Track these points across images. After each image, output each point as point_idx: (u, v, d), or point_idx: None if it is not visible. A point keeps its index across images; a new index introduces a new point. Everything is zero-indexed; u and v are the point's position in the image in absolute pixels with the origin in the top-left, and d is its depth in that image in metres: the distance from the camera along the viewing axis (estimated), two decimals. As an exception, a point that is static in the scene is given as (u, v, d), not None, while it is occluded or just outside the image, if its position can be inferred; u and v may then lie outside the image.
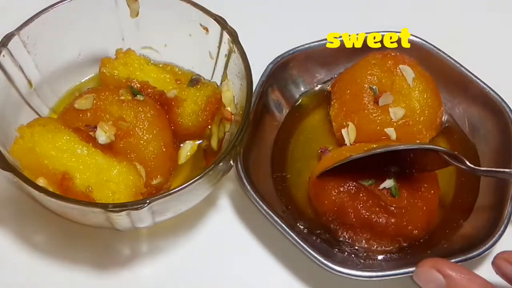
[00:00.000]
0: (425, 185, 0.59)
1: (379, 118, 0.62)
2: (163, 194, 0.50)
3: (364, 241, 0.58)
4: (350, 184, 0.58)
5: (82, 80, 0.66)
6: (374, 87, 0.63)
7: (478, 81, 0.65)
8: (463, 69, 0.65)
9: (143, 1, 0.62)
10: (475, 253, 0.55)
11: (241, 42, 0.59)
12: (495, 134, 0.63)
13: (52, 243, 0.59)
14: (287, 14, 0.78)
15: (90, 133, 0.56)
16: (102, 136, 0.56)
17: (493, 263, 0.51)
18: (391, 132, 0.62)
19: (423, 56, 0.66)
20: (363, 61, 0.65)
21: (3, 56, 0.56)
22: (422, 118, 0.62)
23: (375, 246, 0.58)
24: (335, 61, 0.67)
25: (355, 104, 0.63)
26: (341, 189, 0.58)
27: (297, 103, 0.67)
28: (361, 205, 0.57)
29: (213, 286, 0.58)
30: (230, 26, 0.60)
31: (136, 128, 0.57)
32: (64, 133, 0.54)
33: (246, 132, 0.54)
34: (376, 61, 0.64)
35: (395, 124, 0.62)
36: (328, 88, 0.68)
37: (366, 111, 0.62)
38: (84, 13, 0.60)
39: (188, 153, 0.61)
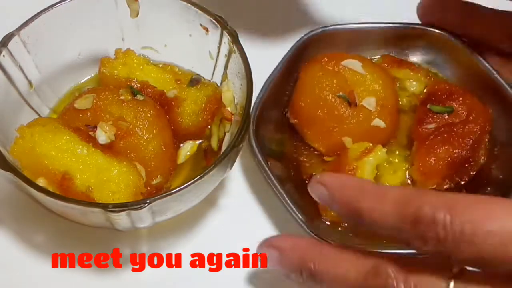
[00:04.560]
0: (459, 89, 0.63)
1: (361, 117, 0.62)
2: (163, 194, 0.50)
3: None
4: (433, 135, 0.60)
5: (82, 80, 0.66)
6: (341, 93, 0.62)
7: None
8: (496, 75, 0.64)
9: (143, 1, 0.62)
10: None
11: (241, 42, 0.59)
12: None
13: (52, 243, 0.59)
14: (287, 14, 0.78)
15: (90, 133, 0.56)
16: (102, 136, 0.56)
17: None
18: (378, 122, 0.62)
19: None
20: (310, 84, 0.63)
21: (3, 56, 0.56)
22: (385, 94, 0.62)
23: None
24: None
25: (334, 120, 0.62)
26: (432, 150, 0.60)
27: None
28: (456, 142, 0.60)
29: (213, 286, 0.58)
30: (230, 26, 0.59)
31: (136, 128, 0.57)
32: (64, 133, 0.54)
33: (246, 132, 0.55)
34: (321, 73, 0.63)
35: (376, 114, 0.62)
36: (290, 120, 0.64)
37: (347, 121, 0.61)
38: (84, 13, 0.60)
39: (188, 153, 0.61)
